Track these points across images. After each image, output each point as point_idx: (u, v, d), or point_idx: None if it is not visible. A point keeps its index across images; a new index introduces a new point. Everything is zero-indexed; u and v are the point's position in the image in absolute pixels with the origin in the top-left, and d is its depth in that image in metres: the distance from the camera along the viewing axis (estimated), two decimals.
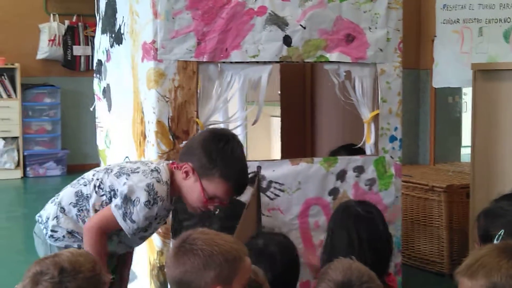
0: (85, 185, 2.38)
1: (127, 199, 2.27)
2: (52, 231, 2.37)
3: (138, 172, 2.33)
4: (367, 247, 2.27)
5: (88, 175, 2.42)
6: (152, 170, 2.33)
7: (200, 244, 1.72)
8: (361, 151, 3.20)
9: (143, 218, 2.28)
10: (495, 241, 2.22)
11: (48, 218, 2.39)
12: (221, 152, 2.31)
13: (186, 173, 2.34)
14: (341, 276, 1.77)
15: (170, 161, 2.47)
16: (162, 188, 2.30)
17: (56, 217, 2.36)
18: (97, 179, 2.36)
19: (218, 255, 1.71)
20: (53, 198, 2.45)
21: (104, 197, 2.35)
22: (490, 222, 2.38)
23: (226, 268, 1.71)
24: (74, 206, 2.36)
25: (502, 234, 2.23)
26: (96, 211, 2.34)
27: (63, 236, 2.36)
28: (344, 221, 2.43)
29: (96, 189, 2.35)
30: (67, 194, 2.39)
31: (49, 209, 2.41)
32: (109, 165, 2.47)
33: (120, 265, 2.56)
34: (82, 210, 2.36)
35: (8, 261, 4.40)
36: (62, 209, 2.36)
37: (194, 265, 1.70)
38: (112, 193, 2.33)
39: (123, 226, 2.29)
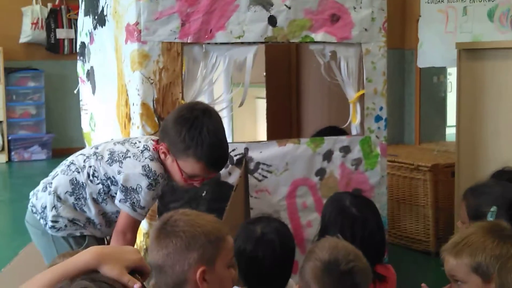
0: (78, 172, 2.35)
1: (128, 189, 2.29)
2: (53, 221, 2.34)
3: (129, 156, 2.32)
4: (359, 246, 2.24)
5: (78, 160, 2.39)
6: (142, 151, 2.33)
7: (182, 226, 1.70)
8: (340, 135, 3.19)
9: (151, 200, 2.33)
10: (489, 218, 2.24)
11: (44, 208, 2.36)
12: (190, 133, 2.29)
13: (164, 153, 2.34)
14: (327, 254, 1.76)
15: (154, 138, 2.45)
16: (158, 165, 2.32)
17: (54, 206, 2.34)
18: (90, 167, 2.34)
19: (200, 235, 1.69)
20: (43, 185, 2.40)
21: (100, 185, 2.34)
22: (480, 200, 2.39)
23: (209, 249, 1.69)
24: (70, 195, 2.35)
25: (495, 210, 2.25)
26: (93, 199, 2.34)
27: (65, 226, 2.35)
28: (338, 222, 2.41)
29: (91, 177, 2.34)
30: (61, 182, 2.36)
31: (43, 199, 2.37)
32: (97, 148, 2.42)
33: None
34: (79, 198, 2.35)
35: None
36: (59, 198, 2.34)
37: (176, 247, 1.68)
38: (109, 181, 2.33)
39: (135, 217, 2.30)
